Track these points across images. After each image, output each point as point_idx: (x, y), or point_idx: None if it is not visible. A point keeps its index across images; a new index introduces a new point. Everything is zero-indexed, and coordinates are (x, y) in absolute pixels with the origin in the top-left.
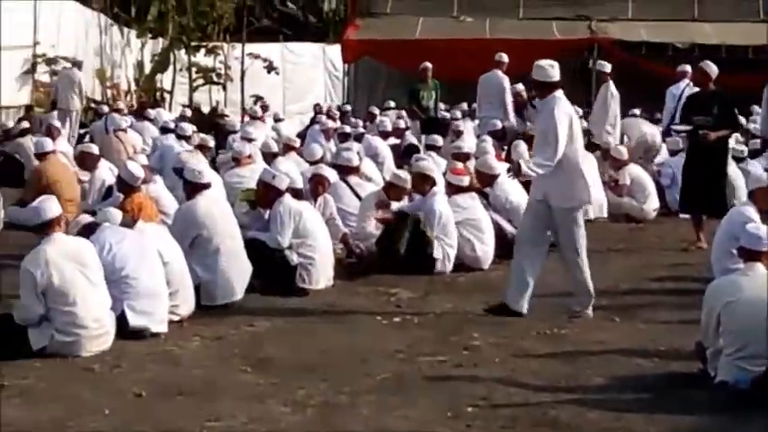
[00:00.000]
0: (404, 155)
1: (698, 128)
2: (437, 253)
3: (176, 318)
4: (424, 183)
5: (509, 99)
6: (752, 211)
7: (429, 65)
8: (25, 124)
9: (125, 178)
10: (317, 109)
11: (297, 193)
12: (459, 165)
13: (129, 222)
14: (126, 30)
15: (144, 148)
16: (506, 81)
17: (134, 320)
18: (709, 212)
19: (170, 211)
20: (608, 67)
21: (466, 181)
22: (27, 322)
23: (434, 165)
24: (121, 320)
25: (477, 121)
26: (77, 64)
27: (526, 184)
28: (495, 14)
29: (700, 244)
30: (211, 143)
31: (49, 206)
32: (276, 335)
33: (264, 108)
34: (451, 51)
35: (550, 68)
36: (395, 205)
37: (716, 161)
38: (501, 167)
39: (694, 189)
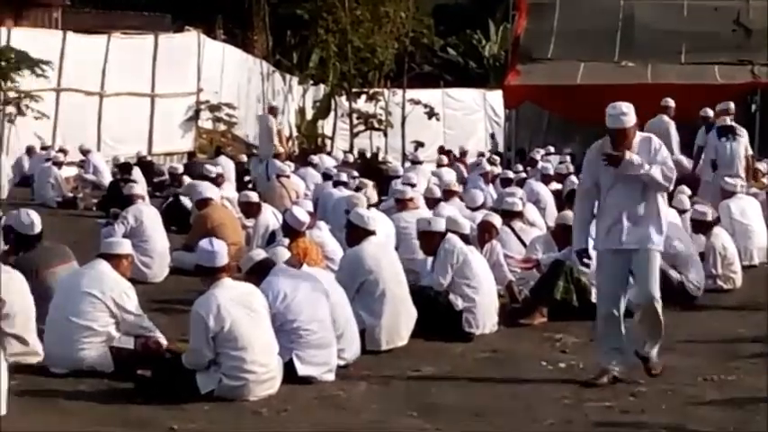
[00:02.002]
0: (566, 200)
1: None
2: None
3: (342, 362)
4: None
5: (676, 144)
6: None
7: None
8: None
9: (290, 223)
10: (441, 153)
11: (464, 239)
12: None
13: (295, 267)
14: (288, 76)
15: (306, 194)
16: (672, 126)
17: (302, 370)
18: None
19: (334, 256)
20: None
21: None
22: (196, 366)
23: None
24: (289, 367)
25: None
26: (273, 110)
27: None
28: (657, 59)
29: None
30: (371, 189)
31: (222, 252)
32: (442, 380)
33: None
34: (613, 97)
35: None
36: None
37: None
38: None
39: None
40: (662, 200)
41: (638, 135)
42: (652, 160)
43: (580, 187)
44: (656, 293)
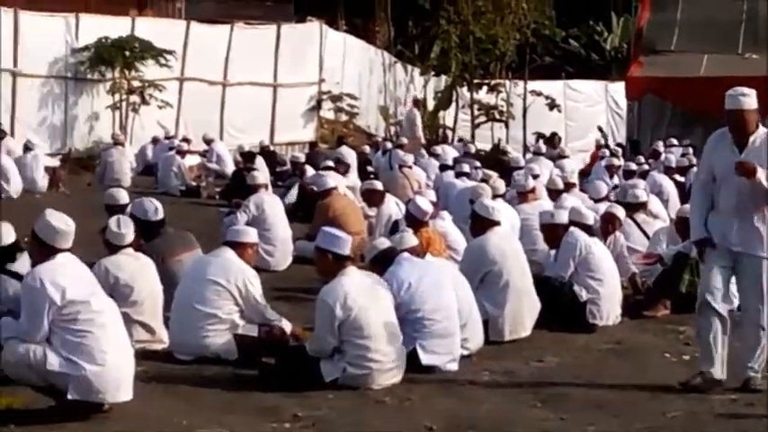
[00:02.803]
0: (689, 192)
1: None
2: None
3: (465, 352)
4: None
5: None
6: None
7: None
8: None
9: (414, 213)
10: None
11: (587, 230)
12: None
13: (418, 256)
14: (409, 67)
15: (428, 184)
16: None
17: (426, 359)
18: None
19: (457, 246)
20: None
21: None
22: (320, 354)
23: None
24: (412, 357)
25: None
26: (417, 103)
27: None
28: None
29: None
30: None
31: (347, 241)
32: (565, 370)
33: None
34: None
35: None
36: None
37: None
38: None
39: None
40: None
41: (762, 129)
42: None
43: (697, 178)
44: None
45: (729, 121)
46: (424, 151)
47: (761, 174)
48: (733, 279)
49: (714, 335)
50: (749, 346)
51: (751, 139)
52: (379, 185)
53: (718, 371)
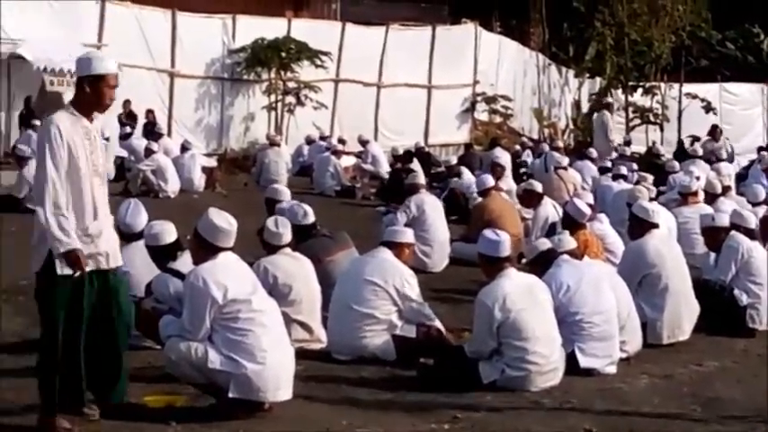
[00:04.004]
0: None
1: None
2: None
3: (624, 355)
4: None
5: None
6: None
7: None
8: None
9: (572, 214)
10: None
11: (748, 233)
12: None
13: (577, 258)
14: (564, 69)
15: (584, 187)
16: None
17: (584, 362)
18: None
19: (615, 249)
20: None
21: None
22: (479, 356)
23: None
24: (571, 359)
25: None
26: (608, 106)
27: None
28: None
29: None
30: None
31: (503, 242)
32: (725, 375)
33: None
34: None
35: None
36: None
37: None
38: None
39: None
40: None
41: None
42: None
43: None
44: None
45: None
46: (614, 154)
47: None
48: None
49: None
50: None
51: None
52: (538, 187)
53: None
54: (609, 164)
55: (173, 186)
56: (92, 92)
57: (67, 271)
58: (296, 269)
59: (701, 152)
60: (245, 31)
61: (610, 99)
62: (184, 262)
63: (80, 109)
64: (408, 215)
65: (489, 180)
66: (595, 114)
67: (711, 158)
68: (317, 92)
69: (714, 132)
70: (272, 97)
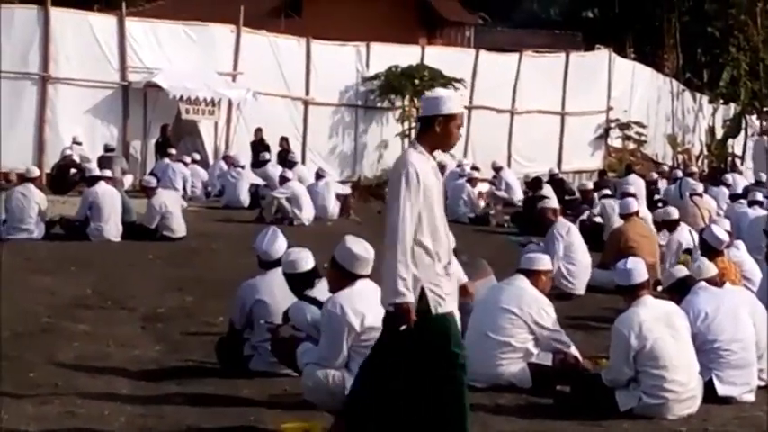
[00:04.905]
0: None
1: None
2: None
3: (762, 383)
4: None
5: None
6: None
7: None
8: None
9: (709, 241)
10: None
11: None
12: None
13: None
14: (698, 95)
15: (719, 213)
16: None
17: (722, 390)
18: None
19: (752, 276)
20: None
21: None
22: (615, 383)
23: None
24: (708, 387)
25: None
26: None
27: None
28: None
29: None
30: None
31: (639, 269)
32: None
33: None
34: None
35: None
36: None
37: None
38: None
39: None
40: None
41: None
42: None
43: None
44: None
45: None
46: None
47: None
48: None
49: None
50: None
51: None
52: (675, 213)
53: None
54: (740, 190)
55: (307, 214)
56: (442, 131)
57: (442, 310)
58: None
59: None
60: (379, 58)
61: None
62: (321, 289)
63: (427, 147)
64: (561, 242)
65: (633, 204)
66: (756, 139)
67: None
68: None
69: None
70: (406, 124)
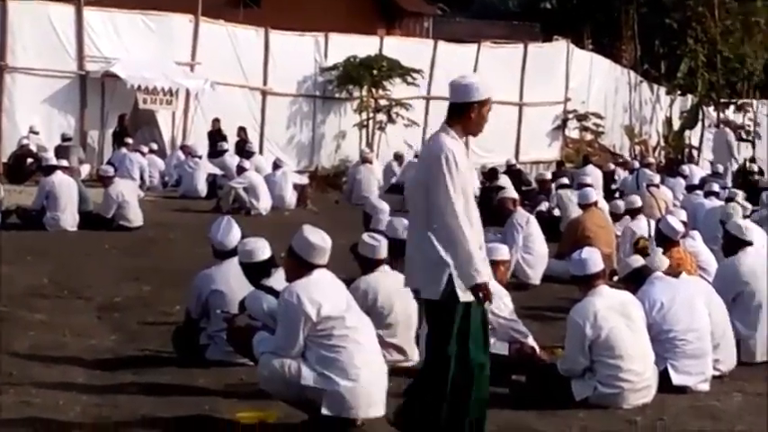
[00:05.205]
0: None
1: None
2: None
3: (717, 373)
4: None
5: None
6: None
7: None
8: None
9: (665, 231)
10: None
11: None
12: None
13: (671, 276)
14: (655, 86)
15: (675, 204)
16: None
17: (677, 379)
18: None
19: (708, 267)
20: None
21: None
22: (571, 373)
23: None
24: (664, 376)
25: None
26: (729, 124)
27: None
28: None
29: None
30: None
31: (594, 259)
32: None
33: None
34: None
35: None
36: None
37: None
38: None
39: None
40: None
41: None
42: None
43: None
44: None
45: None
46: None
47: None
48: None
49: None
50: None
51: None
52: (638, 202)
53: None
54: (697, 181)
55: (264, 204)
56: (476, 117)
57: (468, 298)
58: (394, 288)
59: None
60: (338, 48)
61: (730, 116)
62: (278, 279)
63: (459, 131)
64: (520, 232)
65: (592, 194)
66: (714, 131)
67: None
68: (408, 109)
69: None
70: (364, 115)
